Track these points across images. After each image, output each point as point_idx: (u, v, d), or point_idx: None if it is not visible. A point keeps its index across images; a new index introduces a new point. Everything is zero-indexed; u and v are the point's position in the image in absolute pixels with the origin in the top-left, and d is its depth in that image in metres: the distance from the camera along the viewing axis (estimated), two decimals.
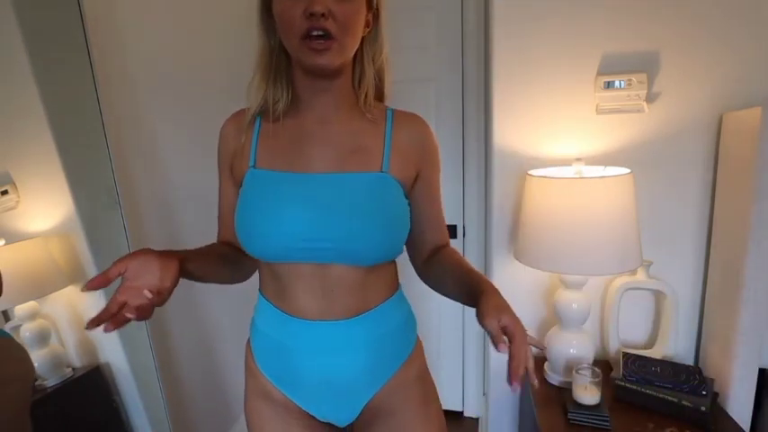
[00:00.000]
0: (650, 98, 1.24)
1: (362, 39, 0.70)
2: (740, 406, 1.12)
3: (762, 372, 1.12)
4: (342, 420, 0.79)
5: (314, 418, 0.79)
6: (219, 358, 1.71)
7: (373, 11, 0.70)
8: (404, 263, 0.84)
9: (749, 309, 1.08)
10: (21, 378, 0.99)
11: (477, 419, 2.01)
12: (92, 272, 1.18)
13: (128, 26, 1.29)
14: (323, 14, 0.61)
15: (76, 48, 1.10)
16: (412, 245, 0.82)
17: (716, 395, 1.12)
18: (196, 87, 1.56)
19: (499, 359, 1.47)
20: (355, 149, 0.72)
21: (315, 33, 0.62)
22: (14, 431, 0.94)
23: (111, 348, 1.22)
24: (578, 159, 1.21)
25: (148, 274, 0.62)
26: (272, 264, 0.73)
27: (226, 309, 1.74)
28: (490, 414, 1.56)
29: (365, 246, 0.68)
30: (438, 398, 0.85)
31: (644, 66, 1.23)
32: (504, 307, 0.63)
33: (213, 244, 0.85)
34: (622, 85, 1.23)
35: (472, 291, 0.69)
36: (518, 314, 1.24)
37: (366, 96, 0.73)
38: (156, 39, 1.39)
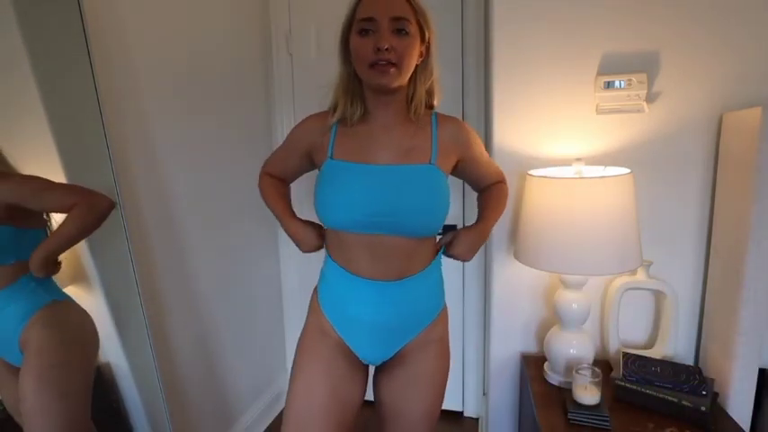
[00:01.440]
0: (650, 98, 1.24)
1: (416, 65, 0.90)
2: (740, 406, 1.12)
3: (762, 372, 1.12)
4: (376, 360, 1.00)
5: (355, 356, 0.99)
6: (219, 358, 1.71)
7: (425, 44, 0.90)
8: None
9: (749, 309, 1.08)
10: (87, 337, 1.13)
11: (477, 419, 2.01)
12: (92, 272, 1.18)
13: (128, 26, 1.28)
14: (387, 48, 0.82)
15: (76, 48, 1.10)
16: (475, 189, 1.13)
17: (716, 395, 1.12)
18: (197, 87, 1.56)
19: (499, 359, 1.47)
20: (410, 148, 0.92)
21: (381, 63, 0.83)
22: (84, 394, 1.09)
23: (110, 348, 1.22)
24: (578, 159, 1.21)
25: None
26: (340, 232, 0.92)
27: (226, 309, 1.74)
28: (490, 414, 1.56)
29: (415, 221, 0.88)
30: (449, 356, 1.04)
31: (644, 66, 1.23)
32: (452, 244, 1.01)
33: (275, 188, 1.08)
34: (622, 85, 1.23)
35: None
36: (518, 314, 1.30)
37: (416, 109, 0.93)
38: (157, 39, 1.39)
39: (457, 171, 1.03)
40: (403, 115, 0.94)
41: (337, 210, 0.89)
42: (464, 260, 1.01)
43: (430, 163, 0.91)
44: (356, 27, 0.85)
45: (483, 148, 1.05)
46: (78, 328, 1.11)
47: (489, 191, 1.09)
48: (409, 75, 0.88)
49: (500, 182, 1.11)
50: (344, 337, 0.97)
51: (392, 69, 0.83)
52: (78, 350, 1.09)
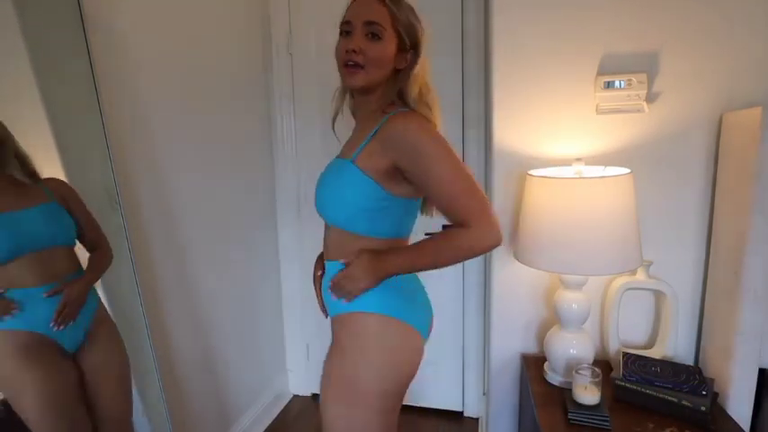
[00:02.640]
0: (650, 98, 1.24)
1: (401, 70, 0.94)
2: (740, 406, 1.12)
3: (762, 372, 1.12)
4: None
5: None
6: (219, 358, 1.71)
7: (410, 51, 0.93)
8: None
9: (749, 309, 1.08)
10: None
11: (477, 419, 2.01)
12: None
13: (128, 26, 1.28)
14: (354, 51, 0.88)
15: (76, 48, 1.10)
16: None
17: (716, 395, 1.12)
18: (196, 87, 1.56)
19: (499, 359, 1.47)
20: (354, 143, 0.94)
21: (350, 63, 0.89)
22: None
23: None
24: (578, 159, 1.21)
25: None
26: None
27: (226, 309, 1.74)
28: (490, 414, 1.56)
29: (321, 210, 0.96)
30: (354, 363, 0.92)
31: (644, 66, 1.23)
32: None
33: None
34: (622, 85, 1.23)
35: None
36: (518, 314, 1.35)
37: (378, 105, 0.94)
38: (157, 38, 1.39)
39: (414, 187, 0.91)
40: (375, 114, 0.93)
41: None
42: (341, 293, 0.92)
43: (350, 158, 0.89)
44: (340, 29, 0.93)
45: (443, 170, 0.84)
46: None
47: (444, 233, 0.89)
48: (380, 77, 0.91)
49: (466, 225, 0.84)
50: None
51: (361, 72, 0.89)
52: None
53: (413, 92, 0.93)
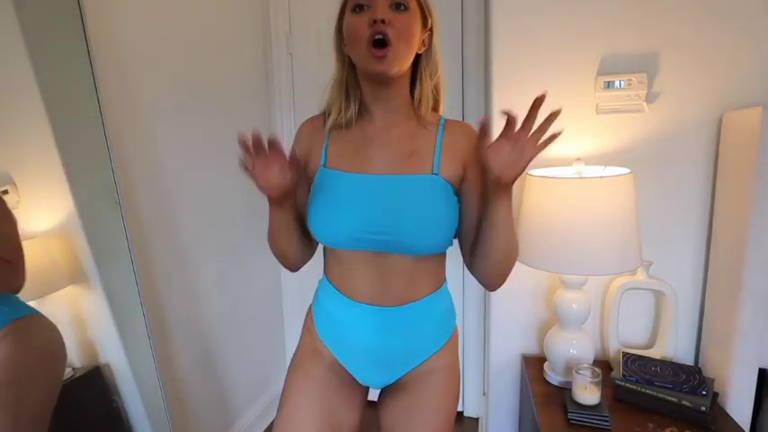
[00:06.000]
0: (650, 98, 1.24)
1: (420, 56, 0.81)
2: (740, 406, 1.12)
3: (762, 372, 1.12)
4: (377, 385, 0.92)
5: (352, 378, 0.90)
6: (219, 358, 1.71)
7: (428, 31, 0.81)
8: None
9: (749, 309, 1.08)
10: (56, 353, 1.06)
11: (477, 419, 2.01)
12: (92, 272, 1.18)
13: (128, 26, 1.28)
14: (383, 21, 0.72)
15: (76, 48, 1.10)
16: (464, 236, 0.86)
17: (716, 395, 1.12)
18: (197, 87, 1.56)
19: (499, 359, 1.47)
20: (410, 153, 0.81)
21: (377, 38, 0.72)
22: (44, 409, 1.01)
23: (111, 348, 1.22)
24: (578, 159, 1.21)
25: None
26: (337, 250, 0.84)
27: (226, 309, 1.74)
28: (490, 414, 1.56)
29: (415, 238, 0.77)
30: (457, 389, 0.92)
31: (644, 66, 1.23)
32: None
33: None
34: (622, 85, 1.23)
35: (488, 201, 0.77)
36: (518, 314, 1.32)
37: (422, 106, 0.83)
38: (157, 38, 1.39)
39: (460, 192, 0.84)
40: (404, 114, 0.84)
41: (330, 225, 0.80)
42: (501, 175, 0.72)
43: (432, 172, 0.80)
44: (350, 5, 0.76)
45: None
46: (38, 345, 1.04)
47: None
48: (410, 60, 0.78)
49: None
50: (341, 359, 0.89)
51: (390, 51, 0.73)
52: (37, 367, 1.02)
53: (444, 93, 0.86)
